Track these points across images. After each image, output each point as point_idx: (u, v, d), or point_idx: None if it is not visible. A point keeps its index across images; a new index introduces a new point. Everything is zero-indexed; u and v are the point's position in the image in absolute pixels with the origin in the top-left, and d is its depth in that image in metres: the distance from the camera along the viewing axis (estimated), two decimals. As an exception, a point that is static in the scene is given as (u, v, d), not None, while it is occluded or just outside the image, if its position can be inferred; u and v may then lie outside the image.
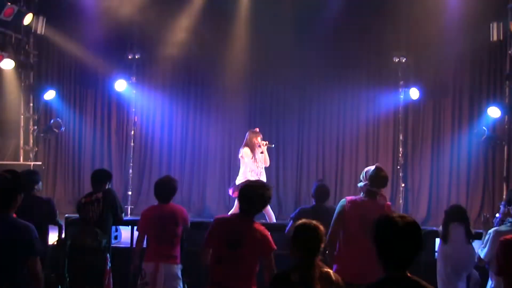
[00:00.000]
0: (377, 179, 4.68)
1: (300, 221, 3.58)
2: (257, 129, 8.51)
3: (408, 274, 2.53)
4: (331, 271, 3.46)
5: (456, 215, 5.37)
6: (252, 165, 8.27)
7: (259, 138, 8.35)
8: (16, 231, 3.58)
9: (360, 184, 4.79)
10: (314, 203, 6.08)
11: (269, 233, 4.11)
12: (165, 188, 5.37)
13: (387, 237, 2.52)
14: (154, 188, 5.43)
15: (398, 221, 2.52)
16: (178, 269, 5.27)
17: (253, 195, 4.09)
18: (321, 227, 3.52)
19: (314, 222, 3.55)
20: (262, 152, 8.38)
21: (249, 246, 3.98)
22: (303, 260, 3.39)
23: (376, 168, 4.75)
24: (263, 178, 8.21)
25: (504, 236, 3.73)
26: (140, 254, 5.40)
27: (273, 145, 8.69)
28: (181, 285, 5.32)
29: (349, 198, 4.75)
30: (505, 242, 3.51)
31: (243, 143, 8.35)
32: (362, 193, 4.77)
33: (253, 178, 8.05)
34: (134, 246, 6.19)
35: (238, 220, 4.13)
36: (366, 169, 4.87)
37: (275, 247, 4.09)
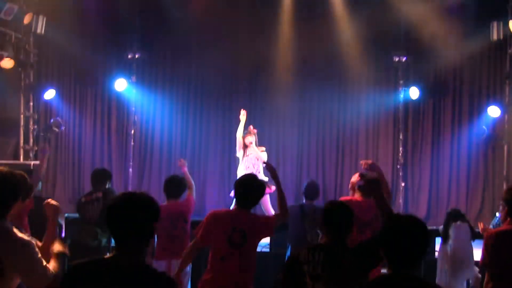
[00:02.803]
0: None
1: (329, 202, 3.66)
2: (250, 127, 8.60)
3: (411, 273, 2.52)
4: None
5: (458, 214, 5.40)
6: (247, 163, 8.40)
7: (249, 138, 8.42)
8: None
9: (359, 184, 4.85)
10: (303, 201, 6.10)
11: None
12: (178, 186, 5.41)
13: (393, 234, 2.54)
14: (165, 184, 5.44)
15: (405, 219, 2.58)
16: (189, 265, 5.30)
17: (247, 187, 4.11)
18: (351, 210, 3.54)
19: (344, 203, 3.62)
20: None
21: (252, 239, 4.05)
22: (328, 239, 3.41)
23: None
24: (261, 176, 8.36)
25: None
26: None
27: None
28: (189, 280, 5.36)
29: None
30: (489, 235, 3.60)
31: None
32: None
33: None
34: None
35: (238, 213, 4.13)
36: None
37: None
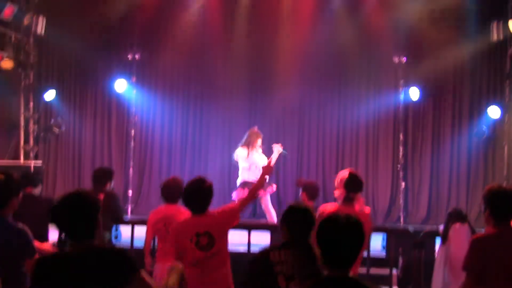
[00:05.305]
0: (352, 184, 4.71)
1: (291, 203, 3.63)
2: (256, 128, 8.51)
3: (350, 274, 2.52)
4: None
5: (460, 215, 5.39)
6: (247, 165, 8.29)
7: (259, 140, 8.33)
8: (12, 234, 3.55)
9: (336, 193, 4.83)
10: None
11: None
12: (173, 192, 5.34)
13: (329, 235, 2.53)
14: (161, 189, 5.40)
15: (341, 220, 2.54)
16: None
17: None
18: (311, 210, 3.53)
19: (304, 204, 3.64)
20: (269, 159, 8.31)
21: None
22: (290, 239, 3.40)
23: (350, 173, 4.79)
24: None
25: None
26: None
27: (285, 152, 8.11)
28: None
29: (322, 206, 4.86)
30: (472, 240, 3.59)
31: (242, 142, 8.37)
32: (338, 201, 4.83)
33: (250, 179, 8.10)
34: (133, 245, 6.22)
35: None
36: (340, 176, 4.90)
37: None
